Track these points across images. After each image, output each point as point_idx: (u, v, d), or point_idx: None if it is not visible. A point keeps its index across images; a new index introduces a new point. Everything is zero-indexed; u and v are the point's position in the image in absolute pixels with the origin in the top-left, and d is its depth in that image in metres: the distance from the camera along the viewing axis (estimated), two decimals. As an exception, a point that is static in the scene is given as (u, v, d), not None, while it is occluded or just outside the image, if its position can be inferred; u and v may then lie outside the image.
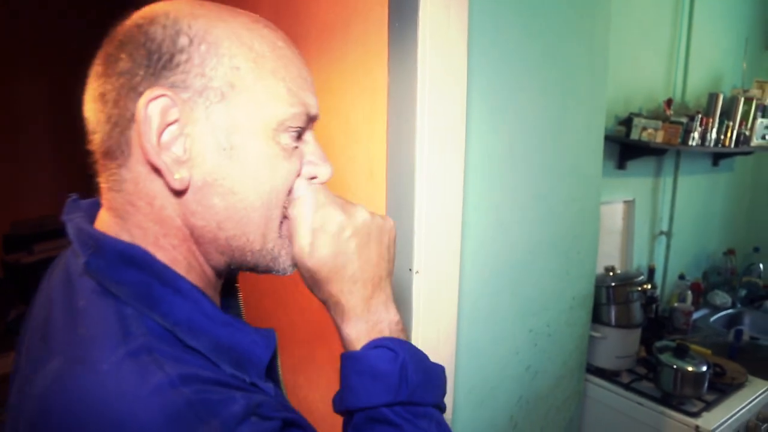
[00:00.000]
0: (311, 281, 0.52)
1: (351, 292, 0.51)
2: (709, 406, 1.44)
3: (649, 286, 1.78)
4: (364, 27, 0.99)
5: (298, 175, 0.50)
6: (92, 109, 0.45)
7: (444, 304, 0.97)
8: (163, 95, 0.42)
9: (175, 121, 0.43)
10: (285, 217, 0.50)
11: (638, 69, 1.92)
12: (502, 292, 1.14)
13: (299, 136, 0.50)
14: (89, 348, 0.39)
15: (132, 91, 0.43)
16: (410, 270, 0.91)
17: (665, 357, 1.48)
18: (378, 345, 0.51)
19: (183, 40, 0.43)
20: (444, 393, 0.55)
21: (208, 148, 0.44)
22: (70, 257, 0.47)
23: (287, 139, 0.47)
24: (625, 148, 1.87)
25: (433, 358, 0.89)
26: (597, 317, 1.59)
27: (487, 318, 1.11)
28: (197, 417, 0.37)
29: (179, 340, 0.42)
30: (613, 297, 1.60)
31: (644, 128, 1.79)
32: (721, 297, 2.27)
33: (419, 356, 0.53)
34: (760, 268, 2.33)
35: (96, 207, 0.50)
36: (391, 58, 0.92)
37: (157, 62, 0.42)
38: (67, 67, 2.77)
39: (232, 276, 0.59)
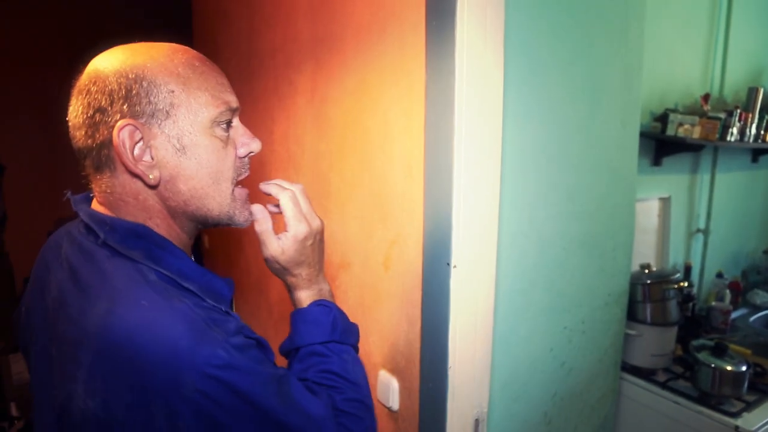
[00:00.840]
0: (280, 269, 0.76)
1: (306, 273, 0.77)
2: (749, 406, 1.41)
3: (686, 284, 1.75)
4: (401, 28, 1.01)
5: (237, 155, 0.67)
6: (81, 140, 0.63)
7: (480, 298, 0.99)
8: (127, 125, 0.59)
9: (140, 139, 0.61)
10: (237, 185, 0.69)
11: (674, 63, 1.89)
12: (537, 288, 1.14)
13: (229, 125, 0.67)
14: (126, 293, 0.57)
15: (106, 124, 0.60)
16: (448, 264, 0.93)
17: (703, 356, 1.45)
18: (319, 304, 0.77)
19: (130, 83, 0.60)
20: (357, 340, 0.81)
21: (168, 152, 0.62)
22: (78, 237, 0.65)
23: (220, 131, 0.65)
24: (660, 144, 1.84)
25: (469, 351, 1.01)
26: (632, 315, 1.58)
27: (522, 314, 1.12)
28: (208, 326, 0.56)
29: (178, 284, 0.61)
30: (648, 294, 1.58)
31: (680, 124, 1.76)
32: (761, 296, 2.21)
33: (344, 314, 0.79)
34: (802, 267, 2.26)
35: (88, 200, 0.68)
36: (428, 57, 0.94)
37: (118, 101, 0.60)
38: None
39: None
